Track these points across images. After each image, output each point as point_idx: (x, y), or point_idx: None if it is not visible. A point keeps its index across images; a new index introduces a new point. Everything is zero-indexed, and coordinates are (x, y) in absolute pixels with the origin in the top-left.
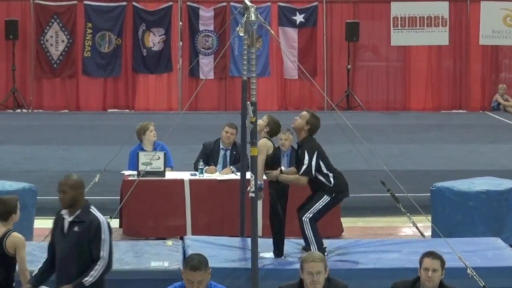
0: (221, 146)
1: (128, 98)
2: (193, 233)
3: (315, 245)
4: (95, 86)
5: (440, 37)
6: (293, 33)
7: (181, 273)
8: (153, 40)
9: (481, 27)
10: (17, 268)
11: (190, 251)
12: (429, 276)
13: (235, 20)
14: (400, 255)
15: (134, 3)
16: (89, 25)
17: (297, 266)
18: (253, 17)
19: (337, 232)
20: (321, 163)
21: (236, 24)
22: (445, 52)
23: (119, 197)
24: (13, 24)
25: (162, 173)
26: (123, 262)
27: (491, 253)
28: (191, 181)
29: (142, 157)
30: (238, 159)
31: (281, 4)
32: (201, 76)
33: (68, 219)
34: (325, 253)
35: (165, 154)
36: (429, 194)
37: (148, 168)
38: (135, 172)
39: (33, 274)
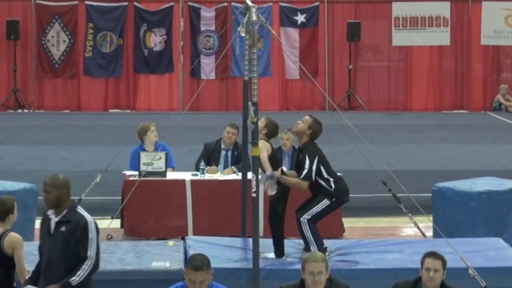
0: (222, 146)
1: (129, 98)
2: (195, 233)
3: (315, 245)
4: (97, 86)
5: (441, 37)
6: (294, 33)
7: (183, 273)
8: (155, 40)
9: (482, 27)
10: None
11: (191, 252)
12: (431, 276)
13: (236, 20)
14: (402, 255)
15: (136, 3)
16: (91, 25)
17: (298, 266)
18: (254, 17)
19: (339, 232)
20: (321, 168)
21: (238, 24)
22: (446, 52)
23: (120, 197)
24: (14, 24)
25: (163, 173)
26: (125, 262)
27: (492, 253)
28: (192, 181)
29: (144, 157)
30: (240, 159)
31: (282, 4)
32: (203, 76)
33: (54, 219)
34: (326, 253)
35: (166, 154)
36: (430, 194)
37: (150, 168)
38: (137, 172)
39: (27, 277)
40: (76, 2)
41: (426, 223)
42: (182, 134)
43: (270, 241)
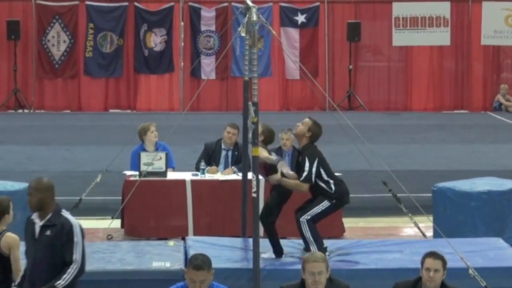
0: (222, 147)
1: (129, 99)
2: (195, 234)
3: (315, 245)
4: (97, 87)
5: (441, 37)
6: (294, 33)
7: (183, 273)
8: (155, 40)
9: (482, 27)
10: None
11: (191, 252)
12: (431, 276)
13: (236, 21)
14: (402, 256)
15: (136, 4)
16: (91, 25)
17: (299, 266)
18: (254, 18)
19: (339, 232)
20: (321, 170)
21: (238, 25)
22: (446, 52)
23: (121, 198)
24: (14, 25)
25: (163, 174)
26: (125, 262)
27: (492, 253)
28: (192, 181)
29: (144, 157)
30: (240, 160)
31: (282, 4)
32: (203, 77)
33: (39, 223)
34: (326, 253)
35: (166, 154)
36: (430, 195)
37: (150, 169)
38: (137, 173)
39: (17, 282)
40: (76, 2)
41: (426, 223)
42: (182, 134)
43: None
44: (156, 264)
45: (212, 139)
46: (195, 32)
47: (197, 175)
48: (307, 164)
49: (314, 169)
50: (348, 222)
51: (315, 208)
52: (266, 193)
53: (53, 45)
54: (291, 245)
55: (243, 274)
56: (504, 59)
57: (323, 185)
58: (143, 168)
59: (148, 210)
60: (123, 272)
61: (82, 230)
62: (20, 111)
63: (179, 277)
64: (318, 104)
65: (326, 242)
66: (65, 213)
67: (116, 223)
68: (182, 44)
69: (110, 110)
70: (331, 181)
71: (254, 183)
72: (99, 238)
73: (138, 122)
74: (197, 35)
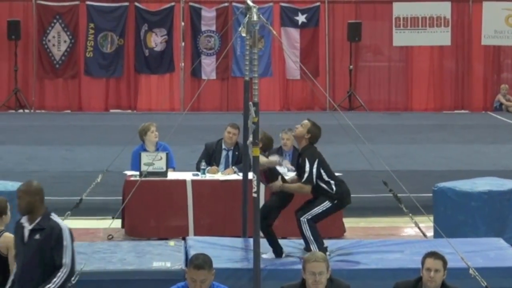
0: (223, 147)
1: (130, 99)
2: (195, 234)
3: (315, 245)
4: (97, 87)
5: (442, 37)
6: (295, 33)
7: (183, 273)
8: (155, 40)
9: (483, 27)
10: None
11: (192, 252)
12: (431, 277)
13: (237, 21)
14: (402, 256)
15: (136, 4)
16: (91, 25)
17: (299, 266)
18: (255, 18)
19: (339, 232)
20: (322, 171)
21: (238, 25)
22: (447, 52)
23: (121, 198)
24: (15, 25)
25: (164, 174)
26: (125, 262)
27: (493, 253)
28: (193, 181)
29: (144, 157)
30: (240, 160)
31: (283, 4)
32: (203, 77)
33: (28, 227)
34: (327, 253)
35: (167, 154)
36: (431, 195)
37: (150, 169)
38: (138, 173)
39: (7, 287)
40: (77, 2)
41: (426, 223)
42: (183, 134)
43: None
44: (157, 264)
45: (212, 139)
46: (196, 32)
47: (197, 175)
48: (307, 165)
49: (314, 170)
50: (349, 222)
51: (316, 208)
52: (267, 194)
53: (53, 45)
54: (291, 245)
55: (244, 274)
56: (505, 59)
57: (324, 186)
58: (144, 168)
59: (148, 210)
60: (124, 272)
61: (71, 233)
62: (21, 111)
63: (179, 277)
64: (319, 104)
65: (327, 242)
66: (55, 217)
67: (117, 223)
68: (183, 44)
69: (111, 110)
70: (332, 182)
71: (255, 183)
72: (100, 238)
73: (139, 122)
74: (198, 35)
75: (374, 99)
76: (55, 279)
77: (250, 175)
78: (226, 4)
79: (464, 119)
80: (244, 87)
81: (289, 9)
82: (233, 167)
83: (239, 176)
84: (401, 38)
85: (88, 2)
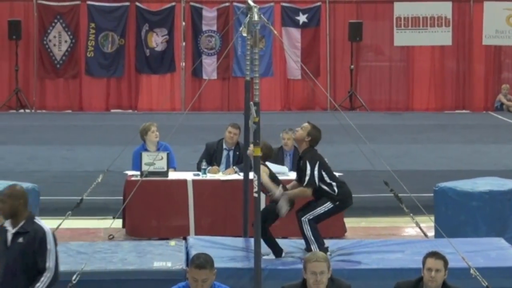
0: (224, 146)
1: (131, 98)
2: (196, 233)
3: (316, 245)
4: (98, 86)
5: (443, 37)
6: (296, 33)
7: (184, 273)
8: (156, 40)
9: (484, 27)
10: None
11: (193, 251)
12: (432, 276)
13: (238, 20)
14: (403, 255)
15: (137, 3)
16: (92, 25)
17: (300, 266)
18: (256, 17)
19: (340, 232)
20: (323, 173)
21: (239, 24)
22: (448, 52)
23: (122, 198)
24: (16, 24)
25: (165, 173)
26: (126, 262)
27: (494, 253)
28: (194, 181)
29: (145, 157)
30: (241, 159)
31: (284, 4)
32: (204, 77)
33: (11, 230)
34: (328, 253)
35: (168, 154)
36: (432, 194)
37: (151, 169)
38: (139, 173)
39: None
40: (78, 2)
41: (427, 223)
42: (184, 134)
43: None
44: (158, 264)
45: (213, 139)
46: (197, 32)
47: (198, 175)
48: (308, 168)
49: (316, 172)
50: (350, 222)
51: (318, 209)
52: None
53: (54, 45)
54: (292, 244)
55: (245, 274)
56: (506, 59)
57: (326, 188)
58: (145, 168)
59: (149, 210)
60: (125, 272)
61: (55, 237)
62: (22, 111)
63: (180, 277)
64: (320, 104)
65: (328, 242)
66: (38, 221)
67: (118, 223)
68: (184, 44)
69: (112, 110)
70: (334, 184)
71: (256, 183)
72: (101, 238)
73: (140, 122)
74: (199, 35)
75: (375, 99)
76: (38, 284)
77: (251, 175)
78: (227, 4)
79: (465, 119)
80: (245, 87)
81: (290, 9)
82: (234, 167)
83: (240, 176)
84: (402, 38)
85: (89, 2)
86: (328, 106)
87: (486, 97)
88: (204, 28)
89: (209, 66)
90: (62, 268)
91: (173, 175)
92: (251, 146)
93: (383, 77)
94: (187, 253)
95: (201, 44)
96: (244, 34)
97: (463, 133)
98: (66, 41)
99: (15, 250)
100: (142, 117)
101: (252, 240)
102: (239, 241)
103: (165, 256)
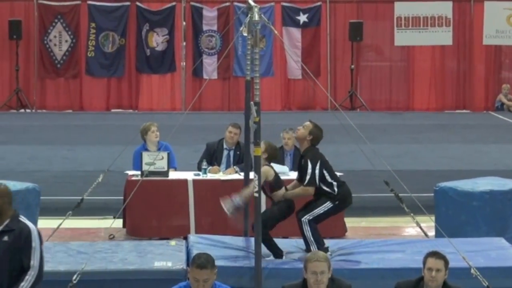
0: (224, 146)
1: (131, 98)
2: (197, 233)
3: (315, 245)
4: (99, 86)
5: (443, 37)
6: (296, 33)
7: (185, 273)
8: (157, 40)
9: (484, 27)
10: None
11: (193, 251)
12: (433, 276)
13: (238, 20)
14: (404, 255)
15: (138, 3)
16: (93, 25)
17: (301, 265)
18: (256, 17)
19: (341, 232)
20: (324, 172)
21: (240, 24)
22: (448, 52)
23: (122, 197)
24: (16, 24)
25: (165, 173)
26: (127, 262)
27: (494, 253)
28: (194, 181)
29: (146, 157)
30: (242, 159)
31: (284, 4)
32: (205, 76)
33: None
34: (328, 253)
35: (168, 154)
36: (432, 194)
37: (152, 168)
38: (139, 172)
39: None
40: (78, 2)
41: (428, 223)
42: (184, 134)
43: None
44: (158, 264)
45: (214, 138)
46: (197, 31)
47: (199, 174)
48: (309, 167)
49: (317, 171)
50: (350, 222)
51: (317, 209)
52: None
53: (55, 44)
54: (293, 244)
55: (245, 273)
56: (506, 59)
57: (326, 187)
58: (145, 167)
59: (150, 210)
60: (125, 272)
61: (40, 235)
62: (22, 110)
63: (181, 277)
64: (320, 104)
65: (328, 242)
66: (23, 219)
67: (118, 223)
68: (184, 43)
69: (112, 110)
70: (334, 183)
71: (256, 182)
72: (101, 238)
73: (140, 122)
74: (199, 34)
75: (376, 99)
76: (22, 283)
77: (252, 174)
78: (227, 4)
79: (466, 118)
80: (246, 87)
81: (291, 9)
82: (235, 166)
83: (240, 176)
84: (403, 37)
85: (89, 2)
86: (329, 106)
87: (486, 97)
88: (205, 28)
89: (210, 66)
90: (62, 268)
91: (173, 175)
92: (262, 144)
93: (384, 77)
94: (188, 253)
95: (202, 44)
96: (245, 34)
97: (464, 133)
98: (66, 41)
99: (0, 249)
100: (142, 117)
101: (252, 239)
102: (239, 240)
103: (165, 256)
